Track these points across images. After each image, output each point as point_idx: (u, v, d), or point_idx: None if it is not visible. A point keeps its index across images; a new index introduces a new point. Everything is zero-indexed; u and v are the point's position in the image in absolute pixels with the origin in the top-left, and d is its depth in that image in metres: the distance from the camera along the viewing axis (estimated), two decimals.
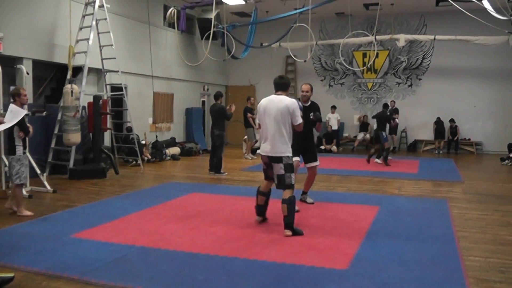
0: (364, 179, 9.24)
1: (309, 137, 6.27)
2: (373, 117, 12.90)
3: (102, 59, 10.17)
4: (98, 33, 9.91)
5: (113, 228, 5.19)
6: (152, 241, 4.66)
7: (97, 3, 9.52)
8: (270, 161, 5.05)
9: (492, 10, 9.64)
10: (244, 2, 13.10)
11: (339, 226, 5.38)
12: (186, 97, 14.86)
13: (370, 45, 14.25)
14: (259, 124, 5.23)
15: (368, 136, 15.63)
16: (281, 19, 13.13)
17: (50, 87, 10.72)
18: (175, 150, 12.80)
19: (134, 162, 10.77)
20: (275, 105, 5.01)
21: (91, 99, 9.40)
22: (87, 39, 9.27)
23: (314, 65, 16.78)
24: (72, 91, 8.62)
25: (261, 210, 5.45)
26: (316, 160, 6.37)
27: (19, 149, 5.77)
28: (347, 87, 16.69)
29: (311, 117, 5.94)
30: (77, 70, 9.56)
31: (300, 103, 5.92)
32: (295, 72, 17.10)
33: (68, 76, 9.27)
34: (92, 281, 3.59)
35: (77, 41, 9.41)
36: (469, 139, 15.29)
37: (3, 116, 5.76)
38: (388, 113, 11.90)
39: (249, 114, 12.42)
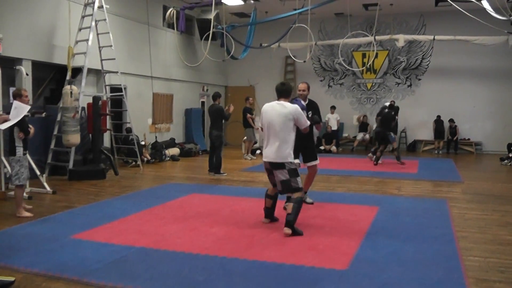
0: (363, 179, 9.24)
1: (309, 135, 6.27)
2: (377, 115, 12.78)
3: (101, 60, 10.18)
4: (98, 34, 9.91)
5: (113, 229, 5.18)
6: (152, 241, 4.66)
7: (97, 4, 9.53)
8: (271, 167, 5.08)
9: (492, 10, 9.66)
10: (243, 3, 13.10)
11: (339, 226, 5.38)
12: (185, 98, 14.85)
13: (369, 45, 14.24)
14: (261, 128, 5.25)
15: (367, 136, 15.63)
16: (281, 20, 13.12)
17: (50, 88, 10.70)
18: (175, 150, 12.79)
19: (134, 163, 10.77)
20: (277, 112, 5.05)
21: (90, 100, 9.41)
22: (87, 40, 9.28)
23: (313, 65, 16.78)
24: (71, 92, 8.62)
25: (268, 212, 5.51)
26: (316, 159, 6.37)
27: (19, 150, 5.76)
28: (347, 88, 16.69)
29: (309, 116, 5.92)
30: (77, 71, 9.56)
31: (302, 102, 5.93)
32: (294, 73, 17.09)
33: (68, 77, 9.26)
34: (92, 282, 3.59)
35: (77, 42, 9.41)
36: (469, 139, 15.30)
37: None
38: (393, 113, 11.84)
39: (248, 115, 12.40)
